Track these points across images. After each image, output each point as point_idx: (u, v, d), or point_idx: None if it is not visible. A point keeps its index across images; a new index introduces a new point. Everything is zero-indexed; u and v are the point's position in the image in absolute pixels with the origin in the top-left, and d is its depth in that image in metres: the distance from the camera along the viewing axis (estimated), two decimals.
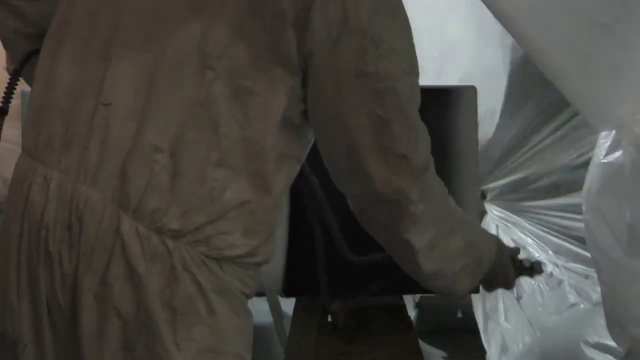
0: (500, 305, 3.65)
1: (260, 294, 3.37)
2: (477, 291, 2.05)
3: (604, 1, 2.19)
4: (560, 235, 3.62)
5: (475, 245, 1.85)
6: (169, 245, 1.57)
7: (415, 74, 1.70)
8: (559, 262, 3.59)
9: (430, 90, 2.56)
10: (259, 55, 1.60)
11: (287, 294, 2.35)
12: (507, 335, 3.60)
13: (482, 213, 3.52)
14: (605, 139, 2.30)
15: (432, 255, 1.77)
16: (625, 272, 2.22)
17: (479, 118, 2.47)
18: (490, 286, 2.02)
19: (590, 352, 3.22)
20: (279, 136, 1.62)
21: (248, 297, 1.68)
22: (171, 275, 1.58)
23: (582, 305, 3.46)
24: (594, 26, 2.19)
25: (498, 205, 3.79)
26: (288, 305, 2.90)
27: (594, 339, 3.22)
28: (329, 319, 2.37)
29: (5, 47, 1.97)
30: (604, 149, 2.29)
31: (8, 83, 1.89)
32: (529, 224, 3.72)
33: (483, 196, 3.70)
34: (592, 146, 2.37)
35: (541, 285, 3.59)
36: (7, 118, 1.90)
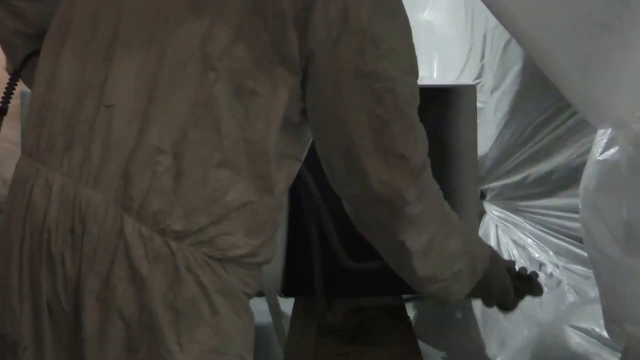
0: None
1: (259, 294, 3.35)
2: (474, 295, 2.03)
3: (605, 0, 2.18)
4: (560, 236, 3.61)
5: (469, 250, 1.85)
6: (172, 246, 1.57)
7: (415, 74, 1.70)
8: (560, 263, 3.58)
9: (429, 89, 2.57)
10: (260, 55, 1.60)
11: (286, 294, 2.36)
12: (506, 333, 3.60)
13: (482, 213, 3.51)
14: (602, 136, 2.30)
15: (427, 259, 1.76)
16: (623, 270, 2.22)
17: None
18: (489, 299, 1.99)
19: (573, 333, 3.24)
20: (279, 136, 1.62)
21: (250, 297, 1.68)
22: (174, 276, 1.57)
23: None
24: (594, 25, 2.19)
25: (498, 205, 3.78)
26: (287, 305, 2.90)
27: (578, 323, 3.23)
28: (328, 318, 2.37)
29: (4, 48, 1.96)
30: (600, 147, 2.29)
31: (8, 83, 1.89)
32: (529, 225, 3.72)
33: (483, 196, 3.70)
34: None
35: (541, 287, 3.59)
36: (6, 118, 1.90)
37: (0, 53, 2.01)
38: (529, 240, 3.68)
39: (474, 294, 1.92)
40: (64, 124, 1.65)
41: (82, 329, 1.60)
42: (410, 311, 3.70)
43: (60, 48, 1.71)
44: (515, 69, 3.62)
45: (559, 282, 3.57)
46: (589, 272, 3.27)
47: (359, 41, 1.61)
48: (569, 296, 3.52)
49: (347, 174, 1.69)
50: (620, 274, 2.23)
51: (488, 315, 3.63)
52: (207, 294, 1.59)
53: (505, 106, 3.72)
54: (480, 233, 3.53)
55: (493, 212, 3.74)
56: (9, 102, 1.88)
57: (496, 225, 3.75)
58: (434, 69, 3.98)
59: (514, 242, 3.69)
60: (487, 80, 3.72)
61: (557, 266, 3.59)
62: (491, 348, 3.61)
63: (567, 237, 3.57)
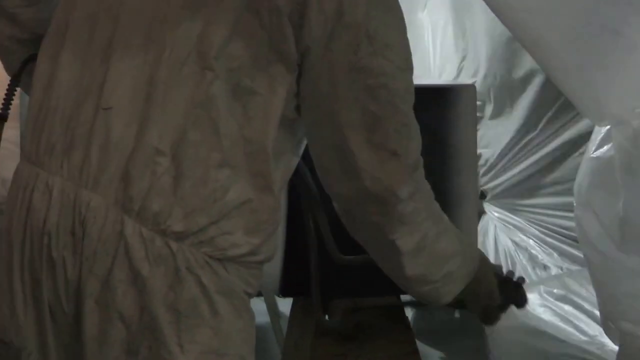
0: None
1: (257, 294, 3.36)
2: (461, 306, 2.00)
3: (612, 4, 2.19)
4: (562, 237, 3.62)
5: (460, 252, 1.84)
6: (172, 247, 1.57)
7: (410, 70, 1.69)
8: (564, 265, 3.59)
9: (429, 88, 2.56)
10: (257, 53, 1.60)
11: (284, 294, 2.35)
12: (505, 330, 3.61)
13: (481, 213, 3.52)
14: (597, 133, 2.31)
15: (417, 259, 1.75)
16: (617, 267, 2.23)
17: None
18: (474, 302, 1.95)
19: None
20: (277, 133, 1.62)
21: (251, 296, 1.68)
22: (175, 277, 1.57)
23: None
24: (594, 26, 2.20)
25: (497, 205, 3.78)
26: (285, 305, 2.90)
27: None
28: (327, 319, 2.36)
29: (0, 54, 1.96)
30: (594, 144, 2.30)
31: (7, 90, 1.89)
32: (530, 226, 3.72)
33: (483, 196, 3.70)
34: None
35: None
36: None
37: None
38: (531, 242, 3.68)
39: (460, 295, 1.89)
40: (63, 128, 1.65)
41: (82, 332, 1.60)
42: (409, 311, 3.69)
43: (58, 51, 1.71)
44: (515, 68, 3.62)
45: None
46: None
47: (353, 36, 1.61)
48: None
49: (339, 171, 1.68)
50: (615, 272, 2.24)
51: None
52: (208, 294, 1.59)
53: (505, 106, 3.72)
54: (480, 233, 3.52)
55: (493, 213, 3.74)
56: (9, 109, 1.89)
57: (495, 226, 3.76)
58: (432, 68, 3.98)
59: (515, 243, 3.69)
60: (486, 79, 3.72)
61: (561, 268, 3.59)
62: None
63: (566, 237, 3.58)
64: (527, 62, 3.51)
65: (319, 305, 2.20)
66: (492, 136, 3.76)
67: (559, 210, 3.60)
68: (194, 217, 1.57)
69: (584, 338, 3.32)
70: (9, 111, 1.89)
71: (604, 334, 2.60)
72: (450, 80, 3.73)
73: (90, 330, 1.59)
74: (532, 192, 3.73)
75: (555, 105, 3.60)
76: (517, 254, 3.68)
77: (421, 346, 2.78)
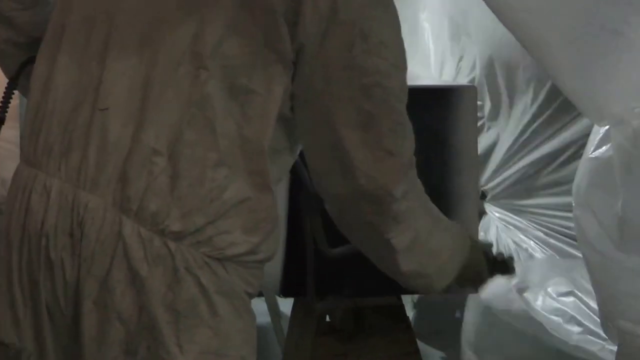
0: None
1: (258, 294, 3.36)
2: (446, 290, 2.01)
3: (612, 4, 2.19)
4: (564, 238, 3.61)
5: (452, 244, 1.83)
6: (171, 247, 1.57)
7: (404, 69, 1.68)
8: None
9: (430, 90, 2.57)
10: (253, 52, 1.59)
11: (285, 294, 2.35)
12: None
13: (482, 213, 3.52)
14: (595, 134, 2.31)
15: (412, 256, 1.74)
16: (616, 267, 2.23)
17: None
18: (461, 281, 1.95)
19: None
20: (274, 132, 1.61)
21: (251, 296, 1.67)
22: (174, 277, 1.57)
23: None
24: (594, 26, 2.20)
25: (498, 206, 3.78)
26: (286, 305, 2.90)
27: None
28: (327, 319, 2.37)
29: None
30: (593, 145, 2.31)
31: (4, 93, 1.89)
32: (531, 226, 3.72)
33: (483, 196, 3.70)
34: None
35: None
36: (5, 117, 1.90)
37: None
38: (532, 243, 3.67)
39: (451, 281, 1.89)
40: (61, 130, 1.65)
41: (81, 333, 1.59)
42: (409, 311, 3.70)
43: (55, 54, 1.71)
44: (513, 68, 3.62)
45: None
46: None
47: (347, 34, 1.60)
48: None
49: (334, 171, 1.67)
50: (614, 271, 2.24)
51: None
52: (207, 294, 1.58)
53: (504, 106, 3.72)
54: (480, 233, 3.53)
55: (493, 213, 3.74)
56: (6, 112, 1.88)
57: (497, 227, 3.75)
58: (432, 68, 3.98)
59: (516, 243, 3.69)
60: (484, 79, 3.72)
61: None
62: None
63: (568, 237, 3.57)
64: (525, 63, 3.51)
65: (314, 299, 2.20)
66: (490, 137, 3.76)
67: (560, 210, 3.60)
68: (192, 216, 1.57)
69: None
70: (7, 113, 1.89)
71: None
72: (449, 81, 3.72)
73: (89, 331, 1.59)
74: (533, 192, 3.73)
75: (553, 105, 3.60)
76: (518, 254, 3.68)
77: (422, 346, 2.78)
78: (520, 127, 3.71)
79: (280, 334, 3.41)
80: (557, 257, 3.57)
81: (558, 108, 3.57)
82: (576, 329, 3.26)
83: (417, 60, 3.89)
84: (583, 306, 3.30)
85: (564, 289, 3.38)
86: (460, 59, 3.83)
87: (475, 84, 3.63)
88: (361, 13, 1.60)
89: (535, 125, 3.65)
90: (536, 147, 3.71)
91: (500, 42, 3.55)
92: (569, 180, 3.02)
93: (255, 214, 1.61)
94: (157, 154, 1.57)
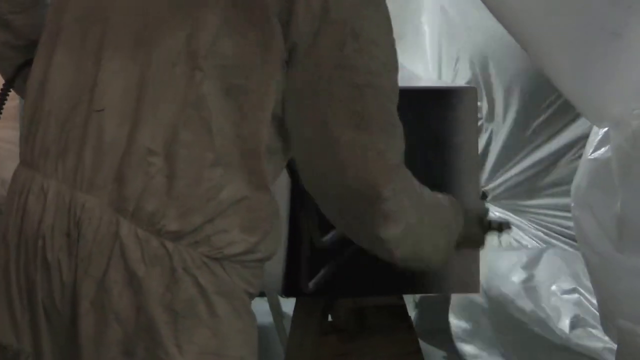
0: None
1: (260, 294, 3.36)
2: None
3: (610, 6, 2.19)
4: (564, 239, 3.62)
5: (445, 225, 1.83)
6: (168, 247, 1.56)
7: (395, 69, 1.66)
8: None
9: (430, 91, 2.58)
10: (248, 51, 1.58)
11: (287, 294, 2.35)
12: None
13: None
14: (594, 135, 2.32)
15: (404, 245, 1.73)
16: (615, 266, 2.24)
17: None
18: (458, 248, 1.95)
19: None
20: (270, 131, 1.61)
21: (252, 296, 1.66)
22: (171, 278, 1.56)
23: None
24: (593, 27, 2.20)
25: (499, 206, 3.79)
26: (288, 305, 2.90)
27: None
28: (329, 319, 2.37)
29: None
30: (592, 146, 2.32)
31: (0, 94, 1.88)
32: (531, 227, 3.72)
33: (484, 196, 3.70)
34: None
35: None
36: (5, 118, 1.90)
37: None
38: (533, 243, 3.69)
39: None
40: (57, 130, 1.65)
41: (78, 334, 1.59)
42: (411, 311, 3.71)
43: (51, 54, 1.70)
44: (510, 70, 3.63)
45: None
46: None
47: (339, 33, 1.59)
48: None
49: (322, 170, 1.65)
50: (613, 271, 2.25)
51: None
52: (206, 295, 1.58)
53: (504, 106, 3.72)
54: None
55: (494, 213, 3.75)
56: (1, 112, 1.87)
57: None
58: (430, 69, 3.99)
59: (517, 241, 3.70)
60: (479, 80, 3.73)
61: None
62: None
63: (567, 237, 3.58)
64: (521, 63, 3.52)
65: (307, 279, 2.20)
66: (488, 138, 3.77)
67: (560, 210, 3.61)
68: (189, 216, 1.56)
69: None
70: (1, 114, 1.89)
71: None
72: (448, 83, 3.73)
73: (86, 332, 1.58)
74: (533, 193, 3.74)
75: (552, 107, 3.61)
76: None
77: (424, 345, 2.79)
78: (517, 128, 3.72)
79: (282, 333, 3.42)
80: (560, 255, 3.58)
81: (556, 110, 3.58)
82: (579, 325, 3.28)
83: (418, 61, 3.90)
84: (587, 303, 3.32)
85: (567, 286, 3.39)
86: (457, 60, 3.84)
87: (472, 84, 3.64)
88: (352, 12, 1.59)
89: (534, 126, 3.66)
90: (536, 148, 3.72)
91: (498, 44, 3.57)
92: (569, 181, 3.05)
93: (253, 212, 1.60)
94: (153, 154, 1.56)
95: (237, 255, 1.60)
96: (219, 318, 1.59)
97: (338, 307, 2.37)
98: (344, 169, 1.62)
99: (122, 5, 1.65)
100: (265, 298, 3.47)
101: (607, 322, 2.32)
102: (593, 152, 2.28)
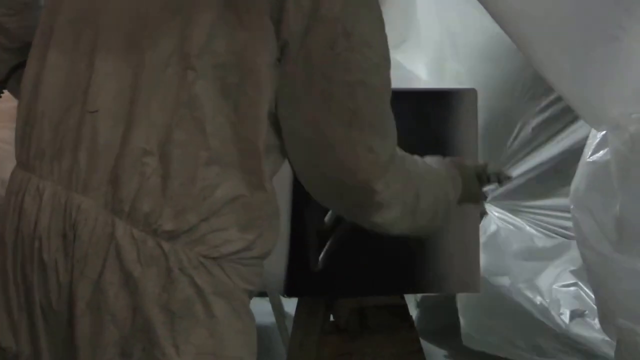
0: None
1: (262, 294, 3.37)
2: None
3: (608, 10, 2.20)
4: (561, 238, 3.63)
5: (441, 192, 1.83)
6: (164, 248, 1.55)
7: (387, 66, 1.65)
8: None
9: (430, 92, 2.59)
10: (241, 50, 1.57)
11: (289, 294, 2.36)
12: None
13: (483, 214, 3.53)
14: (593, 138, 2.33)
15: (401, 223, 1.73)
16: (614, 267, 2.25)
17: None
18: (458, 204, 1.96)
19: None
20: (268, 129, 1.60)
21: (252, 294, 1.65)
22: (168, 278, 1.55)
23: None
24: (592, 32, 2.21)
25: (498, 206, 3.79)
26: (290, 305, 2.91)
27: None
28: (331, 318, 2.39)
29: None
30: (590, 149, 2.33)
31: None
32: (531, 227, 3.73)
33: (484, 197, 3.71)
34: None
35: None
36: (4, 119, 1.90)
37: None
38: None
39: None
40: (52, 132, 1.64)
41: (75, 335, 1.58)
42: (413, 310, 3.71)
43: (44, 57, 1.69)
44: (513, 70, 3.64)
45: None
46: None
47: (330, 32, 1.57)
48: None
49: (314, 165, 1.65)
50: (612, 271, 2.26)
51: None
52: (202, 295, 1.56)
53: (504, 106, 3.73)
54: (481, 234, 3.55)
55: (493, 213, 3.76)
56: None
57: (497, 226, 3.77)
58: (431, 70, 3.99)
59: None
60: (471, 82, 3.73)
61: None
62: None
63: (566, 238, 3.59)
64: (521, 64, 3.52)
65: (315, 259, 2.21)
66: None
67: (559, 211, 3.62)
68: (185, 215, 1.55)
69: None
70: (6, 107, 1.89)
71: None
72: (449, 84, 3.73)
73: (83, 333, 1.57)
74: (532, 193, 3.74)
75: (551, 107, 3.62)
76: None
77: (425, 345, 2.79)
78: (513, 130, 3.73)
79: (284, 333, 3.42)
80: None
81: (557, 110, 3.59)
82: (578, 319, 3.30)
83: (419, 62, 3.91)
84: (587, 298, 3.34)
85: (568, 280, 3.41)
86: (457, 61, 3.84)
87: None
88: (343, 10, 1.57)
89: (534, 126, 3.67)
90: (536, 149, 3.73)
91: (497, 45, 3.57)
92: (567, 182, 3.06)
93: (249, 211, 1.59)
94: (148, 154, 1.55)
95: (234, 254, 1.59)
96: (216, 318, 1.57)
97: (339, 307, 2.38)
98: (336, 165, 1.62)
99: (115, 7, 1.64)
100: (267, 298, 3.47)
101: (607, 320, 2.33)
102: (591, 155, 2.30)
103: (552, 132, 3.69)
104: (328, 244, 2.21)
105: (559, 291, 3.48)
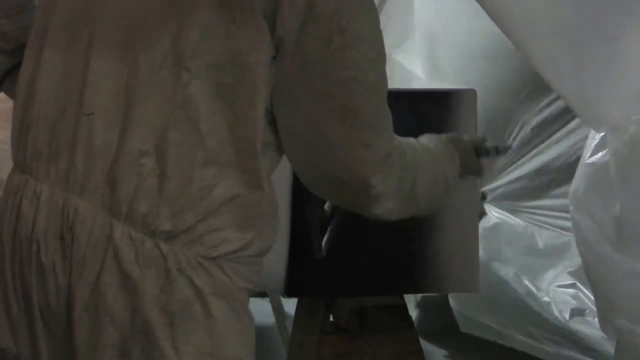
0: None
1: (262, 294, 3.38)
2: None
3: (608, 11, 2.21)
4: (561, 239, 3.63)
5: (439, 176, 1.83)
6: (162, 248, 1.55)
7: (383, 62, 1.64)
8: None
9: (430, 93, 2.59)
10: (235, 50, 1.56)
11: (289, 294, 2.36)
12: None
13: (483, 214, 3.54)
14: (592, 139, 2.34)
15: (400, 212, 1.74)
16: (614, 267, 2.26)
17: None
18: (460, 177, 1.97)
19: None
20: (265, 127, 1.60)
21: (251, 292, 1.64)
22: (166, 279, 1.54)
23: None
24: (591, 33, 2.22)
25: (498, 207, 3.80)
26: (290, 305, 2.91)
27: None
28: (331, 318, 2.39)
29: None
30: (590, 150, 2.33)
31: None
32: (529, 226, 3.73)
33: (483, 197, 3.71)
34: None
35: None
36: (2, 119, 1.90)
37: None
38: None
39: None
40: (48, 134, 1.64)
41: (74, 337, 1.58)
42: (412, 310, 3.72)
43: (39, 58, 1.68)
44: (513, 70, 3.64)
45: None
46: None
47: (325, 28, 1.57)
48: None
49: (311, 161, 1.65)
50: (612, 272, 2.26)
51: None
52: (201, 296, 1.56)
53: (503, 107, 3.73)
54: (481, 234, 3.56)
55: (493, 213, 3.76)
56: None
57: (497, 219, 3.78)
58: (430, 70, 3.99)
59: None
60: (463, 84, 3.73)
61: None
62: None
63: (566, 239, 3.59)
64: (520, 64, 3.53)
65: (319, 247, 2.21)
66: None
67: (558, 211, 3.62)
68: (182, 215, 1.55)
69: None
70: (3, 107, 1.88)
71: None
72: (448, 85, 3.73)
73: (81, 335, 1.57)
74: (532, 193, 3.75)
75: (550, 107, 3.62)
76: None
77: (425, 345, 2.80)
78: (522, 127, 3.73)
79: (284, 333, 3.42)
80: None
81: (556, 111, 3.59)
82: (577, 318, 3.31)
83: (419, 63, 3.91)
84: (585, 299, 3.34)
85: (567, 281, 3.41)
86: (457, 61, 3.84)
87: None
88: (338, 7, 1.57)
89: (533, 126, 3.67)
90: (536, 149, 3.73)
91: (496, 45, 3.58)
92: (567, 183, 3.07)
93: (247, 210, 1.58)
94: (145, 155, 1.55)
95: (232, 253, 1.59)
96: (215, 319, 1.57)
97: (339, 307, 2.38)
98: (336, 164, 1.62)
99: (110, 8, 1.63)
100: (268, 298, 3.48)
101: (606, 321, 2.34)
102: (591, 156, 2.30)
103: (551, 132, 3.69)
104: (329, 229, 2.21)
105: (558, 291, 3.48)
